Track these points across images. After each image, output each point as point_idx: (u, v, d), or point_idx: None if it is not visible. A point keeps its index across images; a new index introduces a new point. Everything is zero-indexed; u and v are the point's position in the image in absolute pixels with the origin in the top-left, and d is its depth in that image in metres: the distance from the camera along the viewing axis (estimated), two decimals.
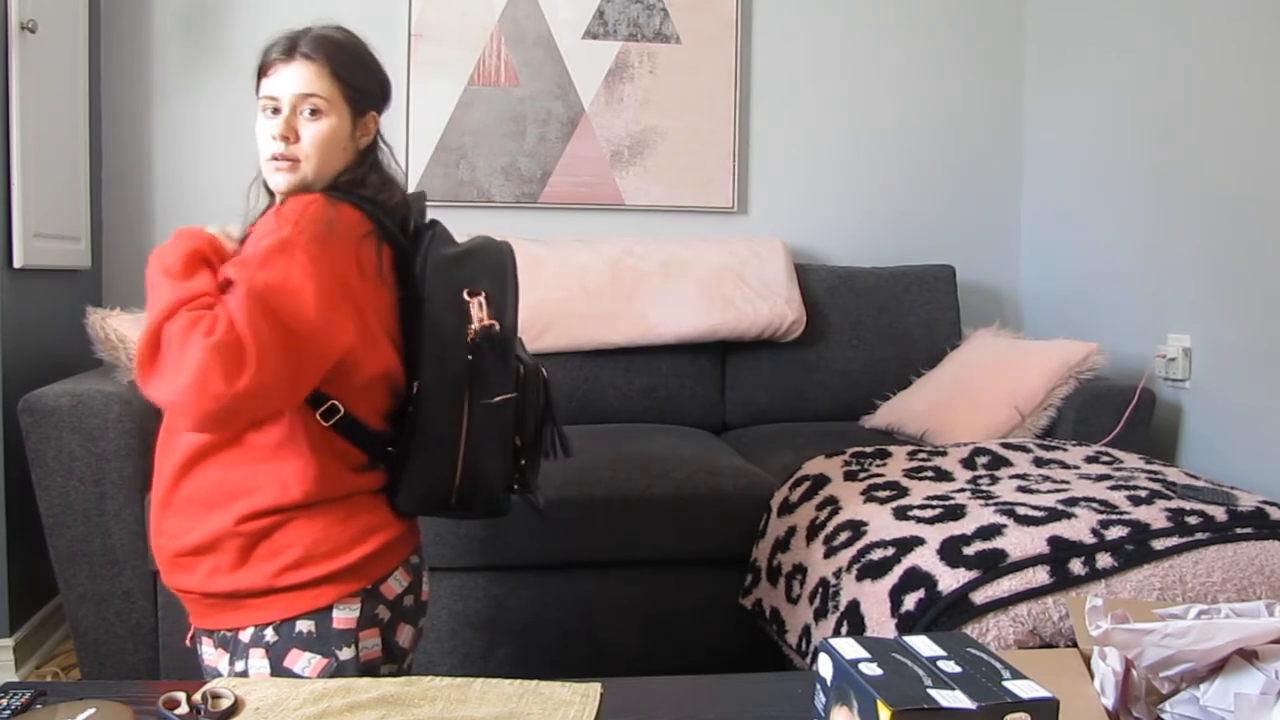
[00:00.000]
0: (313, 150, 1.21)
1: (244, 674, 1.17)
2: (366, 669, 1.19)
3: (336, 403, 1.17)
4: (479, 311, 1.20)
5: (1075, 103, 2.95)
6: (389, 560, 1.23)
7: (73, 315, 2.16)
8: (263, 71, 1.25)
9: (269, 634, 1.17)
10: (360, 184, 1.25)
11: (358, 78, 1.25)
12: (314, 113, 1.21)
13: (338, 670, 1.17)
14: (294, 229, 1.11)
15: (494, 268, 1.25)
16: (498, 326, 1.20)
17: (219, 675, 1.22)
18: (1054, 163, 3.07)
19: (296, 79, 1.22)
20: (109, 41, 2.78)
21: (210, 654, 1.25)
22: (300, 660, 1.17)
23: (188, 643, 1.29)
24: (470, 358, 1.20)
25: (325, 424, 1.17)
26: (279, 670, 1.17)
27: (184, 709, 0.99)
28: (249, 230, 1.21)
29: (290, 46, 1.24)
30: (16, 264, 2.18)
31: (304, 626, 1.17)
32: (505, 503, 1.31)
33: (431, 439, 1.22)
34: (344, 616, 1.18)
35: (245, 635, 1.18)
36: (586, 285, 2.66)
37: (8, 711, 0.97)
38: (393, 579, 1.24)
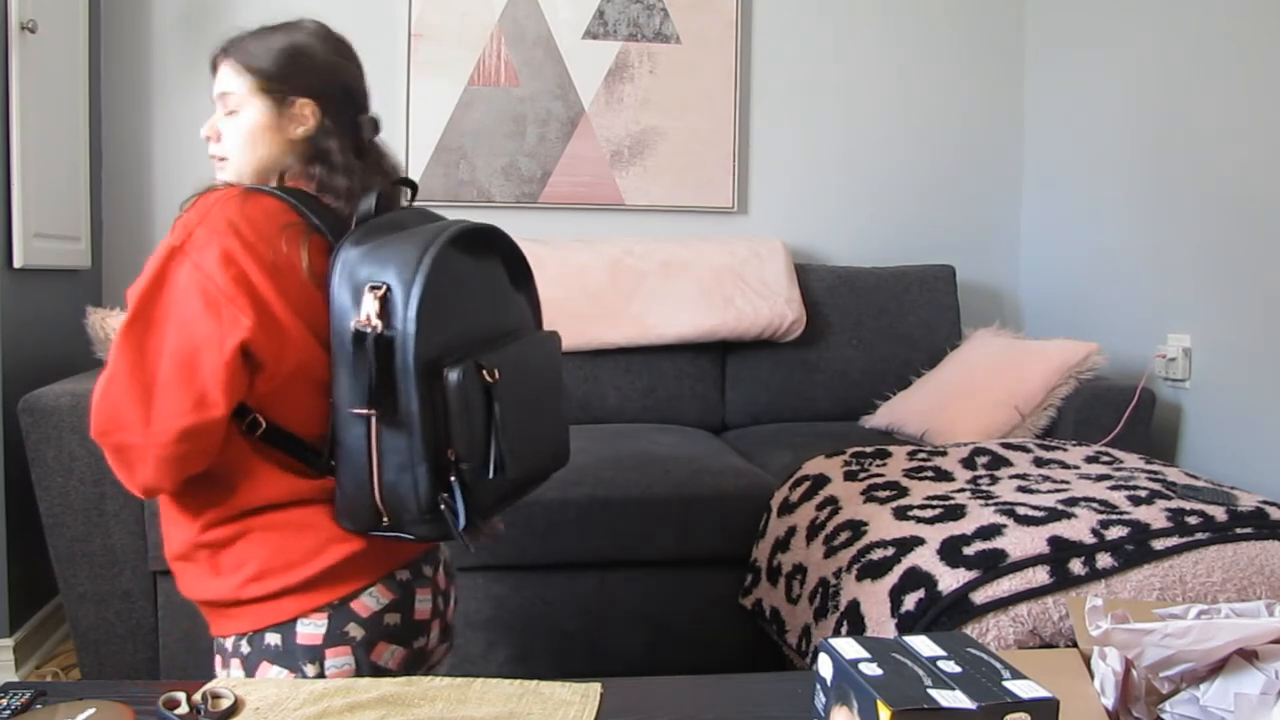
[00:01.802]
0: (231, 146, 1.21)
1: None
2: None
3: (257, 415, 1.11)
4: (367, 311, 1.05)
5: (1075, 103, 2.95)
6: (359, 575, 1.15)
7: (73, 315, 2.16)
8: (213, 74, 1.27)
9: (244, 645, 1.16)
10: (303, 176, 1.21)
11: (272, 66, 1.20)
12: (230, 112, 1.22)
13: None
14: (184, 234, 1.09)
15: (406, 257, 1.07)
16: (379, 328, 1.04)
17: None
18: (1054, 163, 3.07)
19: (217, 81, 1.24)
20: (109, 41, 2.78)
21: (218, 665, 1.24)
22: (270, 673, 1.15)
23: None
24: (356, 361, 1.06)
25: (251, 437, 1.12)
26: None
27: (184, 709, 0.99)
28: None
29: (220, 49, 1.26)
30: (16, 264, 2.18)
31: (272, 639, 1.15)
32: (434, 525, 1.11)
33: (344, 450, 1.10)
34: (308, 632, 1.14)
35: (228, 644, 1.18)
36: (586, 285, 2.66)
37: (8, 711, 0.97)
38: (366, 596, 1.15)
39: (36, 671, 2.23)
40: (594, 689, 1.06)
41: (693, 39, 3.03)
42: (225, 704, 1.00)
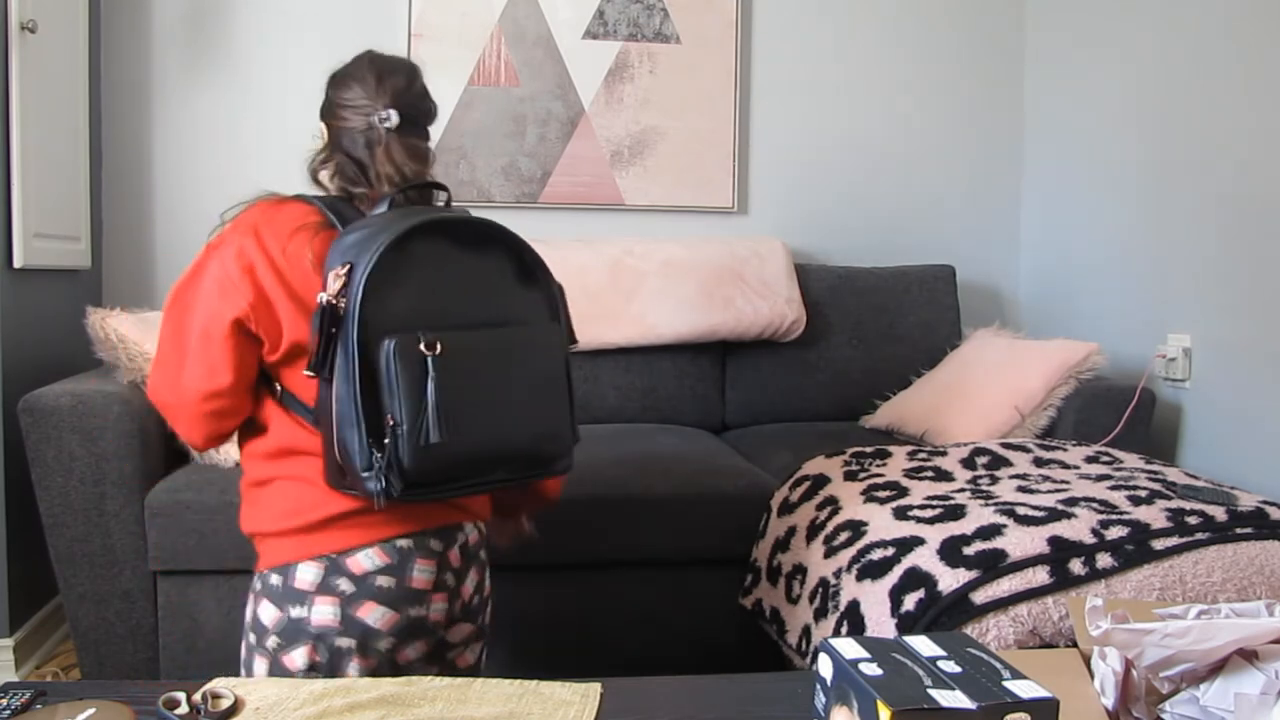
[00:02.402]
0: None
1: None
2: (316, 634, 1.25)
3: (274, 381, 1.31)
4: (333, 286, 1.18)
5: (1075, 103, 2.95)
6: (357, 535, 1.26)
7: (73, 315, 2.16)
8: None
9: (257, 582, 1.32)
10: (333, 185, 1.38)
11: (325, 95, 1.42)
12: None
13: (288, 625, 1.26)
14: (219, 235, 1.31)
15: (366, 243, 1.19)
16: (330, 301, 1.17)
17: None
18: (1054, 163, 3.07)
19: None
20: (109, 41, 2.78)
21: None
22: (266, 610, 1.29)
23: None
24: (315, 330, 1.19)
25: (275, 398, 1.31)
26: (254, 614, 1.31)
27: (184, 709, 0.99)
28: None
29: None
30: (16, 264, 2.18)
31: (275, 579, 1.29)
32: (370, 483, 1.18)
33: (318, 410, 1.25)
34: (304, 578, 1.27)
35: (255, 580, 1.33)
36: (586, 285, 2.66)
37: (8, 711, 0.97)
38: (361, 555, 1.26)
39: (36, 671, 2.23)
40: (594, 689, 1.06)
41: (693, 39, 3.03)
42: (225, 704, 1.00)
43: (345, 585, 1.26)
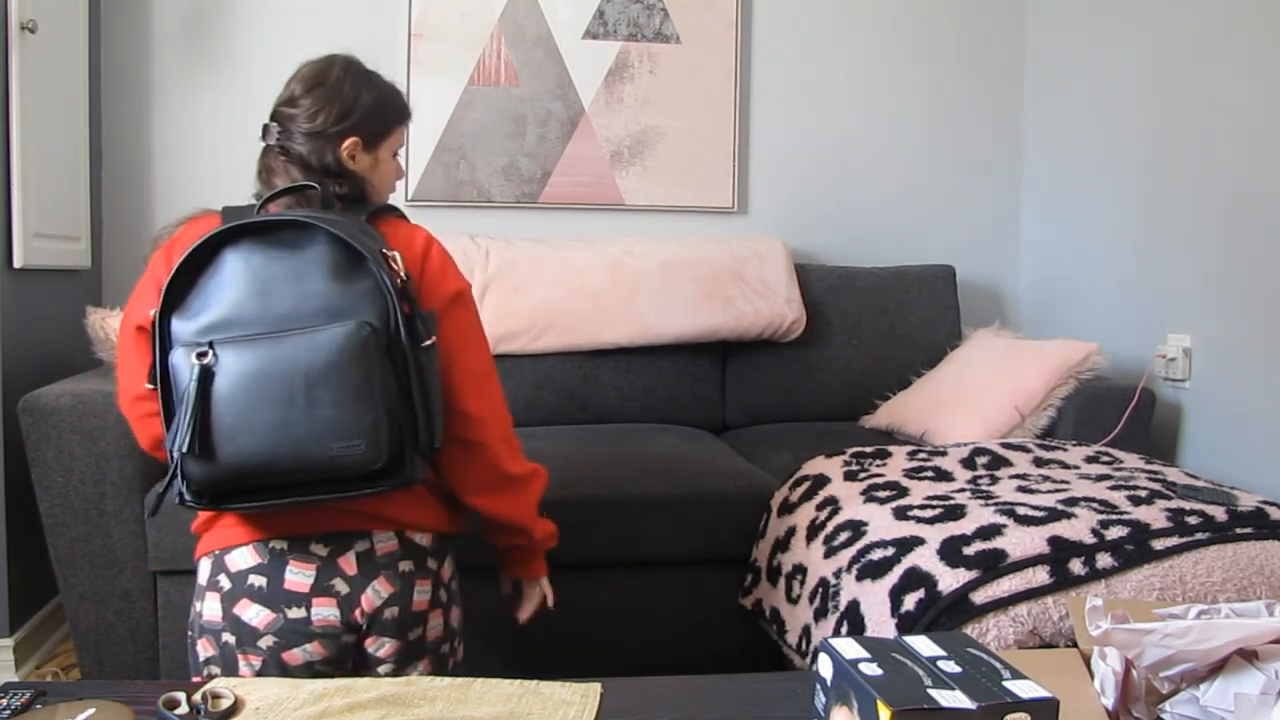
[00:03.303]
0: None
1: None
2: (207, 628, 1.31)
3: None
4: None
5: (1075, 102, 2.95)
6: (235, 534, 1.30)
7: (73, 315, 2.17)
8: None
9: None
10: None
11: None
12: None
13: (194, 619, 1.34)
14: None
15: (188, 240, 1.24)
16: (151, 315, 1.23)
17: None
18: (1054, 163, 3.07)
19: None
20: (109, 41, 2.78)
21: None
22: (193, 604, 1.35)
23: None
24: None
25: None
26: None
27: (184, 709, 0.99)
28: None
29: None
30: (16, 264, 2.18)
31: (198, 573, 1.36)
32: (170, 491, 1.22)
33: None
34: (201, 574, 1.34)
35: None
36: (586, 285, 2.66)
37: (8, 711, 0.97)
38: (236, 553, 1.30)
39: (36, 671, 2.23)
40: (594, 689, 1.06)
41: (693, 39, 3.03)
42: (225, 704, 1.00)
43: (225, 582, 1.30)
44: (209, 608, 1.31)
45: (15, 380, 2.14)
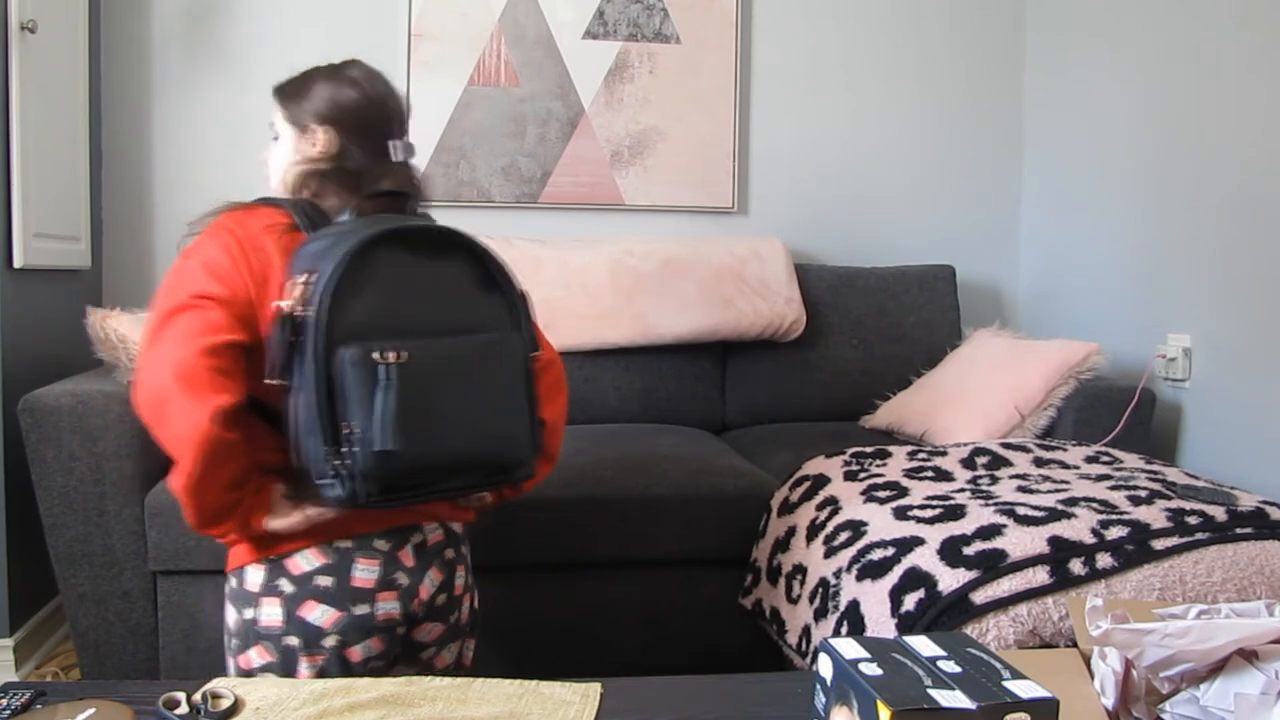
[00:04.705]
0: (269, 168, 1.43)
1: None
2: (265, 634, 1.29)
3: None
4: (293, 293, 1.20)
5: (1075, 102, 2.95)
6: (295, 537, 1.28)
7: (73, 315, 2.16)
8: None
9: (225, 585, 1.35)
10: (304, 188, 1.38)
11: (294, 99, 1.40)
12: (275, 138, 1.42)
13: (243, 626, 1.31)
14: (195, 242, 1.30)
15: (331, 250, 1.21)
16: (296, 310, 1.19)
17: None
18: (1054, 163, 3.07)
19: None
20: (109, 41, 2.78)
21: None
22: (229, 612, 1.33)
23: None
24: (275, 337, 1.21)
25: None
26: (223, 616, 1.35)
27: (184, 709, 0.99)
28: None
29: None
30: (16, 264, 2.18)
31: (233, 582, 1.33)
32: (333, 490, 1.20)
33: (283, 417, 1.25)
34: (253, 580, 1.30)
35: (225, 586, 1.36)
36: (586, 285, 2.66)
37: (8, 711, 0.97)
38: (299, 556, 1.29)
39: (36, 671, 2.23)
40: (594, 689, 1.06)
41: (693, 39, 3.03)
42: (225, 704, 1.00)
43: (287, 586, 1.29)
44: (267, 613, 1.29)
45: (15, 380, 2.14)
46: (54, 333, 2.36)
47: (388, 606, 1.32)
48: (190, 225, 1.33)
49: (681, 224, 3.06)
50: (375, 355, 1.17)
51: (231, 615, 1.33)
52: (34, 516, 1.94)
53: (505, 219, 2.97)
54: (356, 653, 1.31)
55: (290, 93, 1.41)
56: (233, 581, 1.33)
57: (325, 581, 1.29)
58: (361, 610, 1.30)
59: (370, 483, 1.18)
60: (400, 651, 1.38)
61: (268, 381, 1.21)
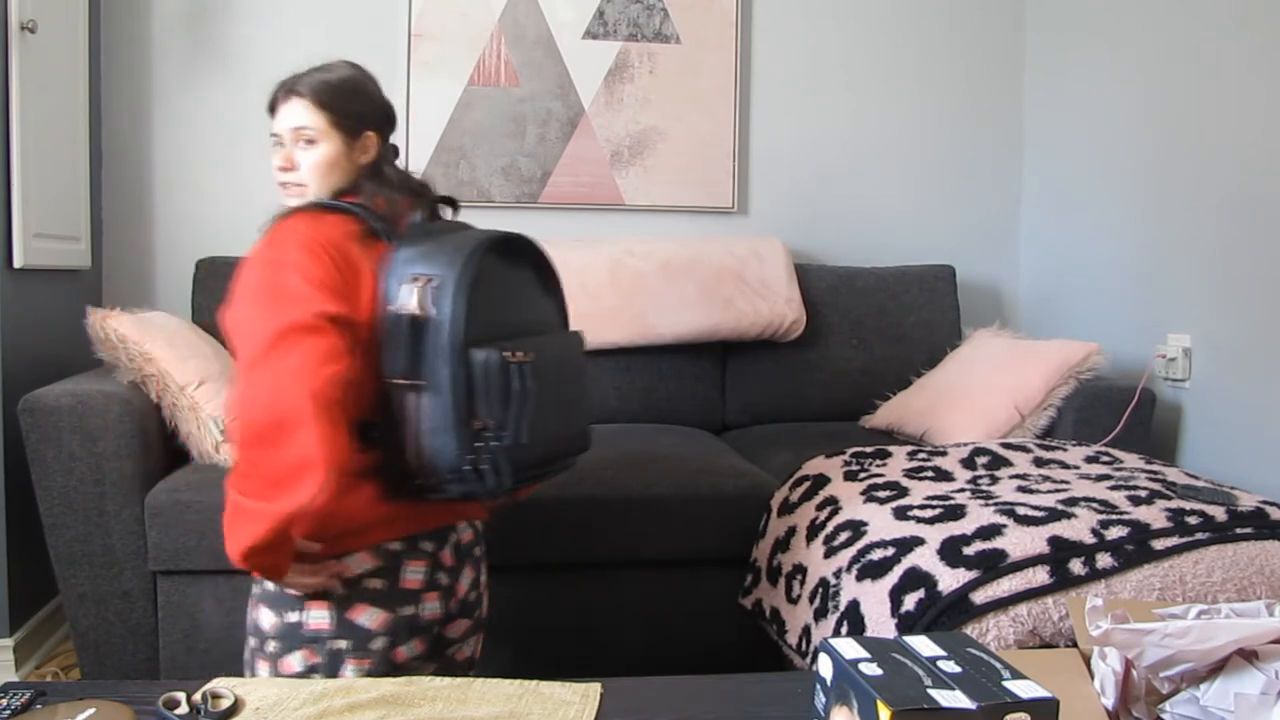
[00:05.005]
0: (312, 175, 1.38)
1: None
2: (310, 638, 1.27)
3: None
4: (412, 297, 1.24)
5: (1076, 102, 2.95)
6: (344, 541, 1.28)
7: (73, 315, 2.16)
8: (271, 110, 1.43)
9: (256, 587, 1.33)
10: (355, 192, 1.40)
11: (346, 104, 1.40)
12: (309, 142, 1.39)
13: (285, 630, 1.29)
14: (278, 250, 1.26)
15: (450, 255, 1.26)
16: (418, 313, 1.23)
17: None
18: (1054, 162, 3.07)
19: (290, 114, 1.39)
20: (109, 41, 2.78)
21: None
22: (265, 615, 1.31)
23: None
24: (402, 341, 1.24)
25: None
26: (254, 619, 1.33)
27: (184, 709, 0.99)
28: None
29: (286, 87, 1.41)
30: (16, 264, 2.18)
31: (272, 585, 1.29)
32: (464, 484, 1.25)
33: (385, 417, 1.26)
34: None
35: (254, 587, 1.34)
36: (586, 285, 2.66)
37: (8, 711, 0.97)
38: (350, 559, 1.29)
39: (36, 671, 2.23)
40: (594, 689, 1.06)
41: (693, 39, 3.03)
42: (225, 704, 1.00)
43: (336, 588, 1.29)
44: (315, 616, 1.28)
45: (15, 380, 2.14)
46: (54, 333, 2.36)
47: (432, 606, 1.34)
48: (261, 227, 1.32)
49: (681, 224, 3.06)
50: (508, 355, 1.24)
51: (268, 618, 1.30)
52: (34, 516, 1.94)
53: (505, 219, 2.97)
54: (402, 653, 1.32)
55: (338, 97, 1.39)
56: (269, 584, 1.30)
57: (376, 584, 1.30)
58: (409, 611, 1.32)
59: (507, 475, 1.24)
60: (432, 649, 1.39)
61: (395, 382, 1.24)
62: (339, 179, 1.39)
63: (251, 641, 1.33)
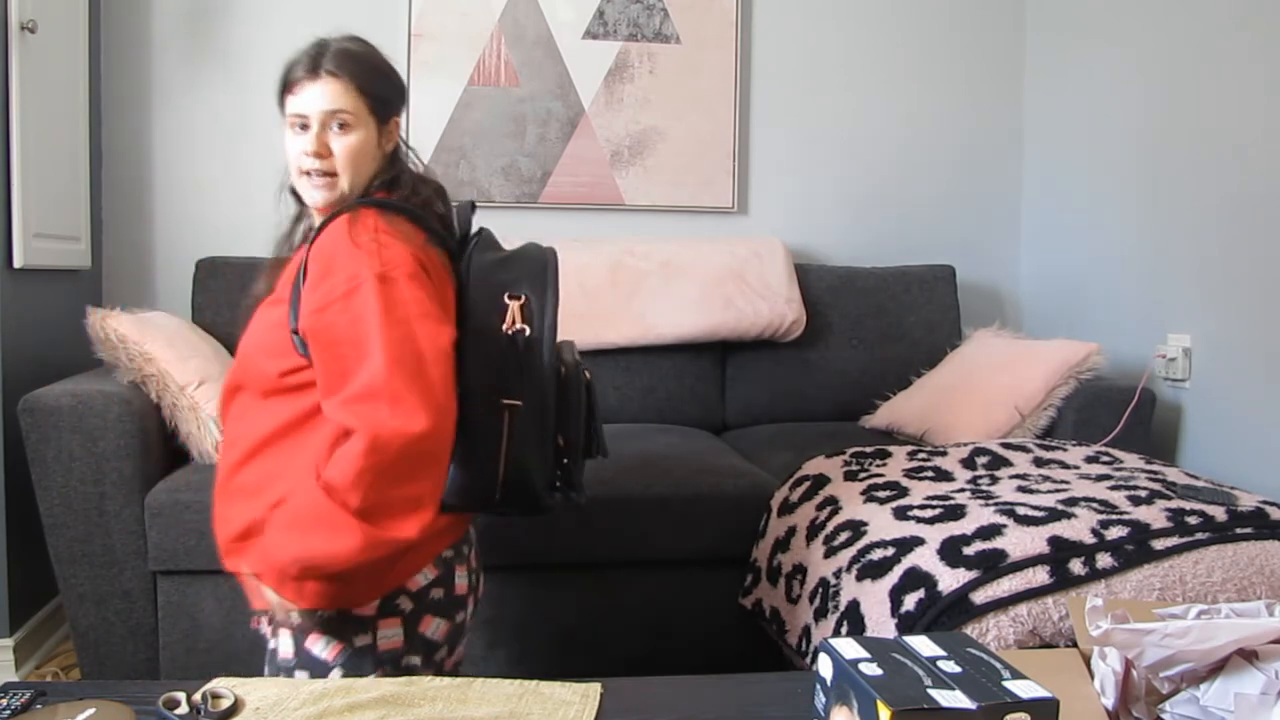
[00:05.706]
0: (347, 163, 1.27)
1: (275, 651, 1.26)
2: (385, 658, 1.22)
3: None
4: (514, 315, 1.24)
5: (1075, 102, 2.95)
6: (413, 554, 1.23)
7: (73, 315, 2.16)
8: (288, 89, 1.29)
9: (294, 616, 1.20)
10: (394, 186, 1.31)
11: (379, 88, 1.30)
12: (343, 127, 1.26)
13: (353, 655, 1.21)
14: (378, 261, 1.16)
15: (535, 273, 1.28)
16: (528, 331, 1.24)
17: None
18: (1054, 162, 3.07)
19: (324, 96, 1.26)
20: (109, 41, 2.78)
21: (269, 634, 1.31)
22: (319, 643, 1.21)
23: (253, 625, 1.32)
24: (504, 359, 1.24)
25: None
26: (300, 650, 1.22)
27: (184, 709, 0.99)
28: (296, 252, 1.31)
29: (314, 64, 1.27)
30: (16, 264, 2.18)
31: (303, 610, 1.20)
32: (547, 500, 1.32)
33: (475, 436, 1.23)
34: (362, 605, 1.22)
35: (292, 617, 1.23)
36: (586, 285, 2.66)
37: (8, 711, 0.97)
38: (417, 572, 1.26)
39: (36, 671, 2.23)
40: (594, 689, 1.06)
41: (693, 39, 3.03)
42: (225, 704, 1.00)
43: (405, 603, 1.25)
44: (388, 635, 1.22)
45: (15, 380, 2.14)
46: (54, 333, 2.36)
47: (469, 610, 1.36)
48: (314, 231, 1.26)
49: (681, 224, 3.06)
50: (588, 374, 1.29)
51: (331, 649, 1.21)
52: (34, 516, 1.94)
53: (505, 219, 2.96)
54: (450, 661, 1.32)
55: (373, 80, 1.29)
56: (311, 611, 1.20)
57: (438, 594, 1.28)
58: (460, 617, 1.33)
59: (582, 491, 1.32)
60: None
61: (506, 402, 1.23)
62: (370, 169, 1.29)
63: (301, 675, 1.22)
